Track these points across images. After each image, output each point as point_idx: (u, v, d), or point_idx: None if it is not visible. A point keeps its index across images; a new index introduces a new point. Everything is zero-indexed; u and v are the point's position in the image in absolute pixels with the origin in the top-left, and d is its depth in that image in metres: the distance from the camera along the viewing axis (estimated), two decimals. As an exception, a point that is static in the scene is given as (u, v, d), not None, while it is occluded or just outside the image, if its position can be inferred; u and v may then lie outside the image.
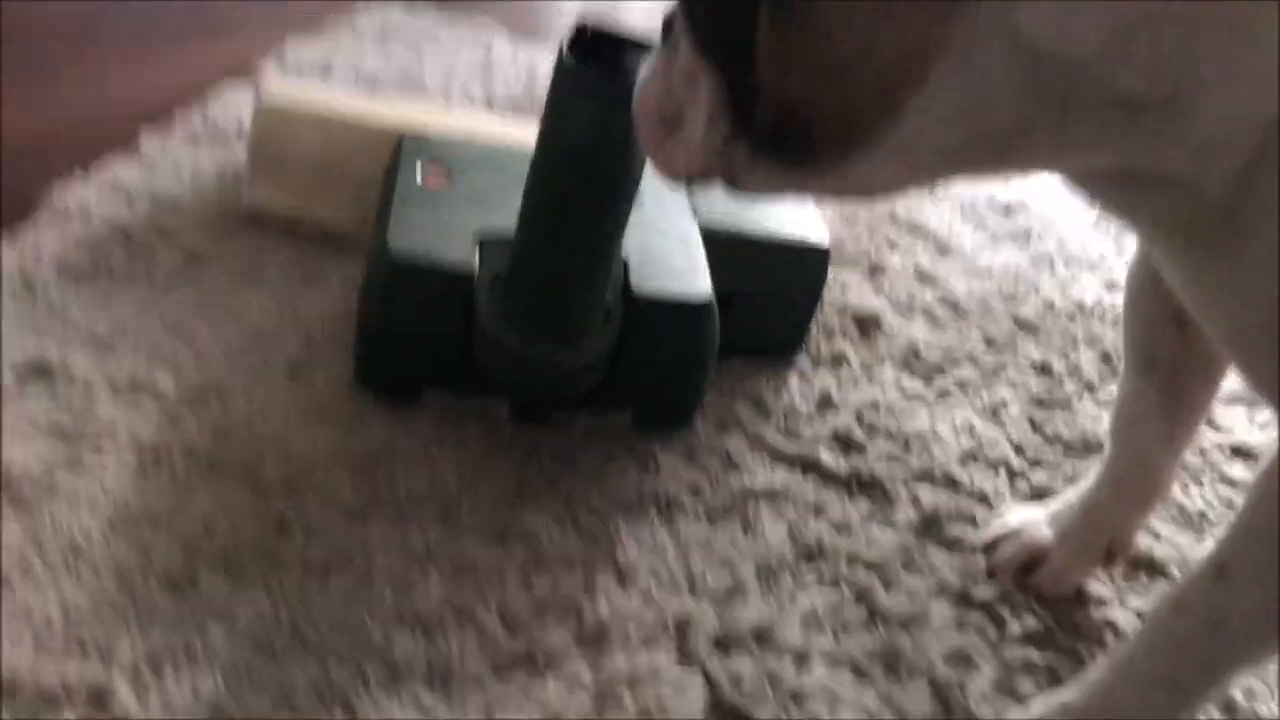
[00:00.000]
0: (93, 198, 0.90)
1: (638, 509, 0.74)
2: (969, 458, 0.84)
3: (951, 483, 0.82)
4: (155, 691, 0.57)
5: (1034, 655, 0.69)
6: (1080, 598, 0.74)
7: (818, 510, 0.77)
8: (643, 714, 0.61)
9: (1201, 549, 0.71)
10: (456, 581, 0.66)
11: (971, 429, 0.87)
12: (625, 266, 0.76)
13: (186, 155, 0.98)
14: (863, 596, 0.71)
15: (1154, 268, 0.62)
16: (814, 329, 0.92)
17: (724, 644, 0.66)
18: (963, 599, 0.72)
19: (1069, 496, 0.77)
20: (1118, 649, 0.64)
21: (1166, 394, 0.69)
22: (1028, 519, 0.76)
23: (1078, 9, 0.43)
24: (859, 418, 0.86)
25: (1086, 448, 0.87)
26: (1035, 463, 0.85)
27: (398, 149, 0.85)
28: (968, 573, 0.74)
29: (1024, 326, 1.01)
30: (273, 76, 1.12)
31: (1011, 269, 1.08)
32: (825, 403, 0.86)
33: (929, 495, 0.80)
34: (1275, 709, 0.68)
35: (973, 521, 0.78)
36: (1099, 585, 0.74)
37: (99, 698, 0.56)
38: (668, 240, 0.81)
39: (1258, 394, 0.55)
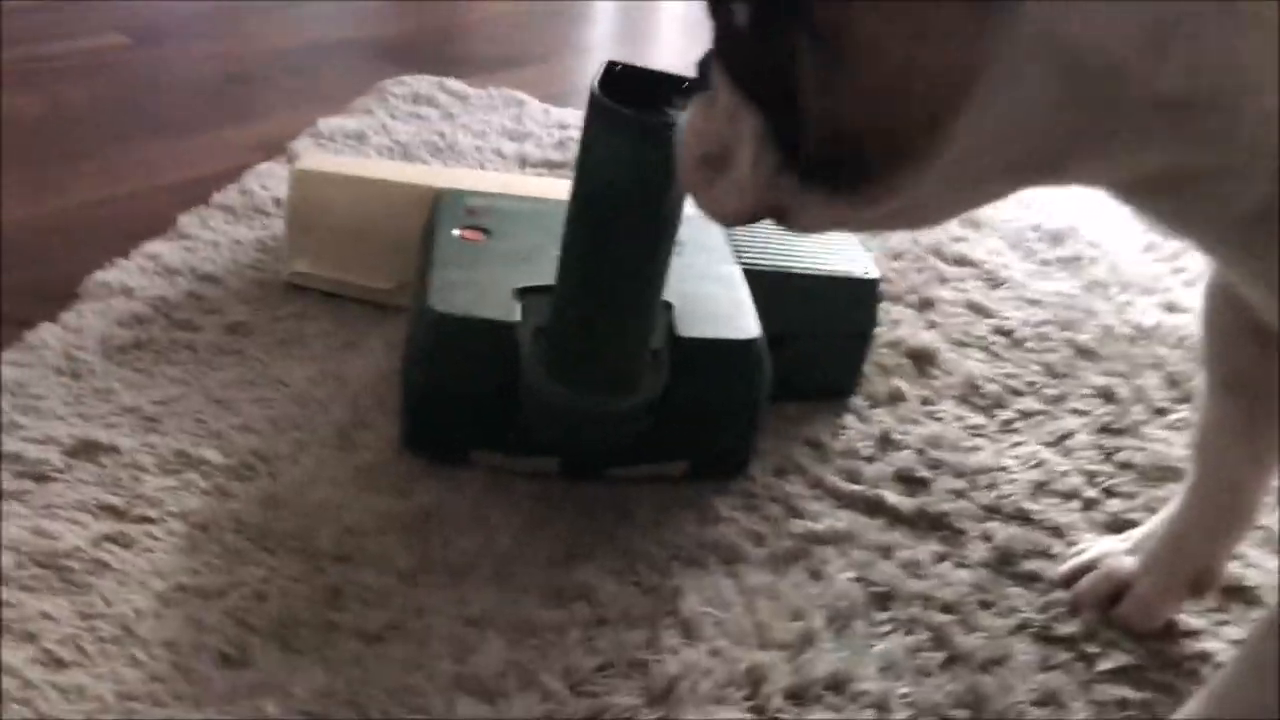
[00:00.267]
0: (134, 277, 0.90)
1: (699, 560, 0.71)
2: (1039, 490, 0.81)
3: (1023, 516, 0.78)
4: (212, 772, 0.55)
5: (1127, 692, 0.65)
6: (1170, 630, 0.70)
7: (886, 552, 0.74)
8: (718, 773, 0.58)
9: (1297, 571, 0.67)
10: (516, 643, 0.63)
11: (1039, 461, 0.84)
12: (670, 311, 0.74)
13: (224, 230, 0.98)
14: (940, 639, 0.67)
15: (1227, 282, 0.60)
16: (868, 368, 0.90)
17: (798, 696, 0.63)
18: (1045, 636, 0.69)
19: (1152, 524, 0.73)
20: (1213, 681, 0.60)
21: (1250, 413, 0.66)
22: (1108, 549, 0.73)
23: (1114, 9, 0.42)
24: (921, 455, 0.83)
25: (1161, 474, 0.84)
26: (1109, 492, 0.82)
27: (434, 206, 0.84)
28: (1048, 609, 0.71)
29: (1083, 353, 0.97)
30: (307, 148, 1.13)
31: (1065, 296, 1.05)
32: (886, 441, 0.84)
33: (1001, 530, 0.77)
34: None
35: (1048, 555, 0.75)
36: (1190, 616, 0.71)
37: (154, 781, 0.54)
38: (711, 283, 0.79)
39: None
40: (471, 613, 0.65)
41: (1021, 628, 0.69)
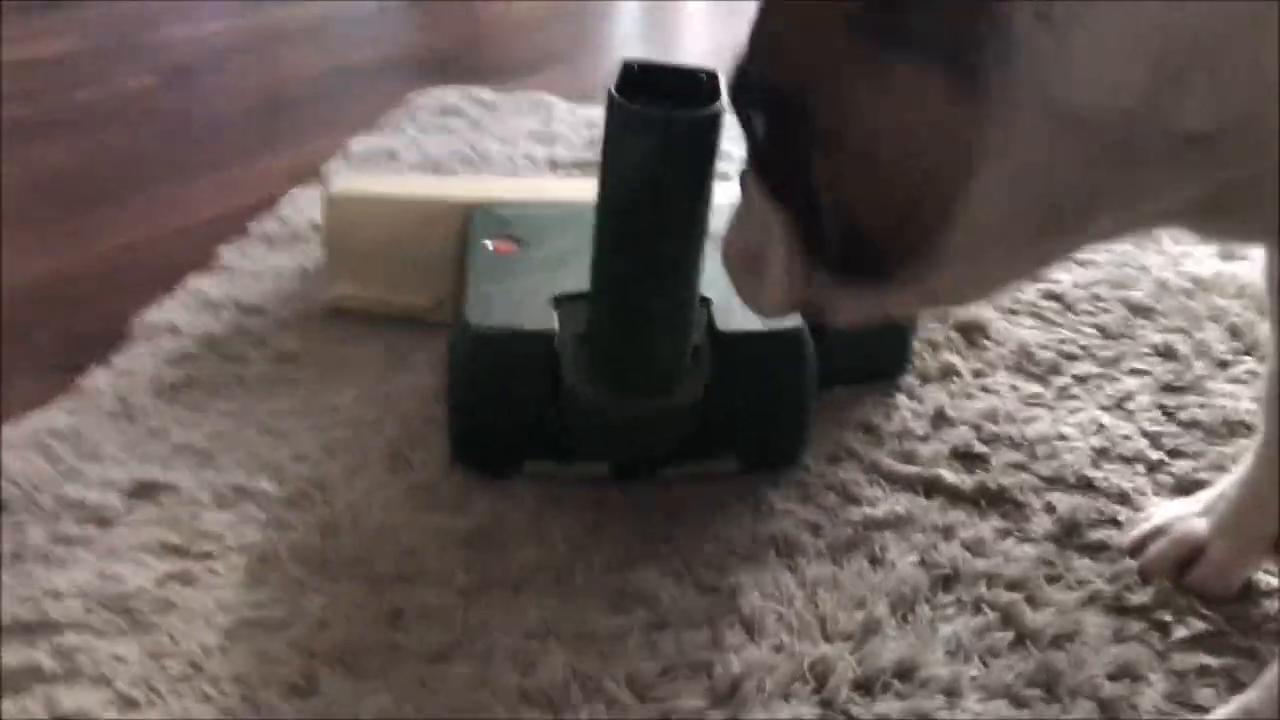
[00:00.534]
0: (179, 314, 0.91)
1: (756, 556, 0.70)
2: (1101, 456, 0.80)
3: (1087, 485, 0.77)
4: (287, 803, 0.55)
5: (1207, 659, 0.64)
6: (1249, 591, 0.68)
7: (947, 532, 0.72)
8: (790, 771, 0.57)
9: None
10: (579, 652, 0.63)
11: (1100, 426, 0.82)
12: (709, 307, 0.74)
13: (265, 260, 0.99)
14: (1008, 618, 0.66)
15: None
16: (917, 345, 0.89)
17: (866, 686, 0.62)
18: (1117, 608, 0.67)
19: (1223, 484, 0.71)
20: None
21: None
22: (1177, 512, 0.71)
23: (1112, 61, 0.41)
24: (978, 430, 0.81)
25: (1229, 430, 0.82)
26: (1174, 453, 0.80)
27: (467, 222, 0.85)
28: (1118, 579, 0.69)
29: (1139, 311, 0.95)
30: (340, 171, 1.14)
31: (1116, 254, 1.03)
32: (940, 419, 0.82)
33: (1064, 501, 0.75)
34: None
35: (1115, 523, 0.74)
36: (1269, 575, 0.69)
37: (232, 815, 0.55)
38: (750, 274, 0.78)
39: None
40: (532, 625, 0.65)
41: (1091, 600, 0.68)
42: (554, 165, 1.16)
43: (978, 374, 0.87)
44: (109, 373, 0.84)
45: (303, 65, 1.52)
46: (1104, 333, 0.93)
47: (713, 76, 0.65)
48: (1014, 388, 0.86)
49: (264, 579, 0.68)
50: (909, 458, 0.78)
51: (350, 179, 1.06)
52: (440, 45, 1.68)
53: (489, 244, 0.81)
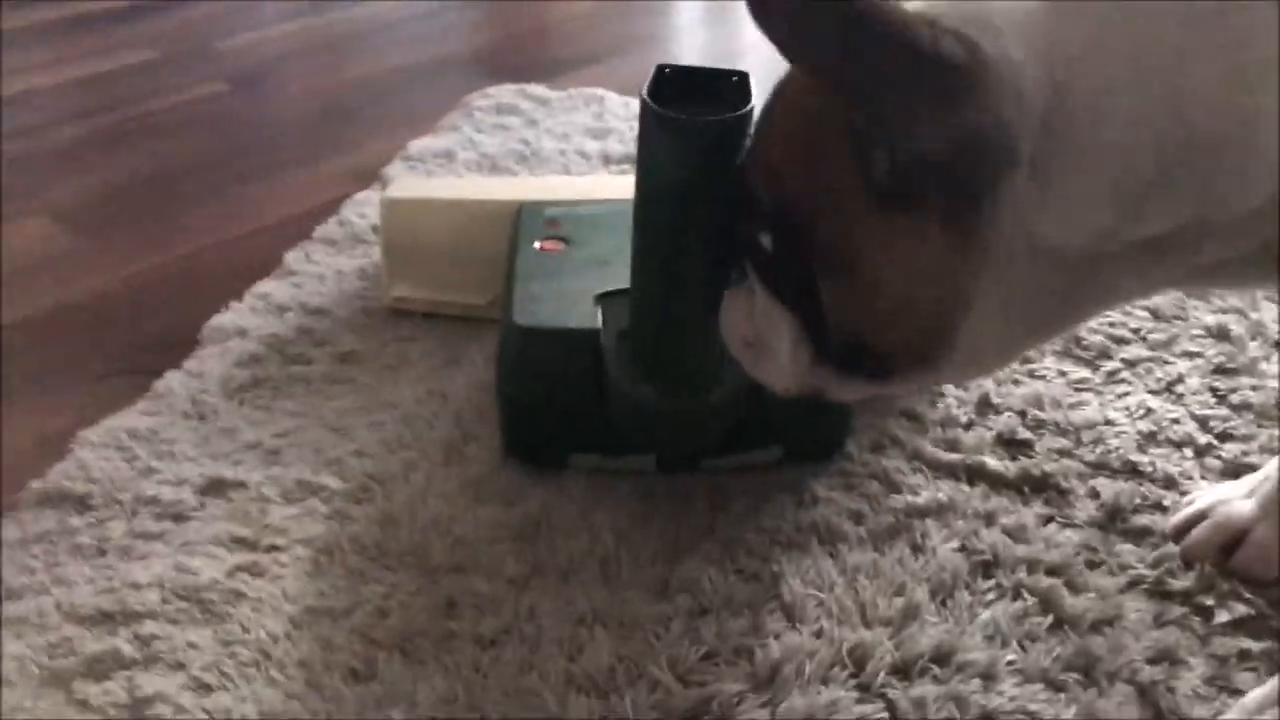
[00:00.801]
0: (247, 318, 0.95)
1: (799, 544, 0.72)
2: (1149, 440, 0.80)
3: (1132, 470, 0.77)
4: (348, 782, 0.59)
5: (1248, 644, 0.64)
6: (1294, 575, 0.68)
7: (989, 519, 0.73)
8: (827, 753, 0.59)
9: None
10: (624, 638, 0.66)
11: (1148, 410, 0.82)
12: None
13: (328, 262, 1.03)
14: (1047, 603, 0.67)
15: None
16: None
17: (903, 670, 0.63)
18: (1158, 592, 0.68)
19: (1270, 467, 0.71)
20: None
21: None
22: (1221, 496, 0.71)
23: (1079, 207, 0.47)
24: (1023, 416, 0.82)
25: (1280, 412, 0.81)
26: (1224, 436, 0.80)
27: (515, 221, 0.87)
28: (1160, 564, 0.69)
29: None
30: (398, 173, 1.17)
31: (1170, 235, 1.02)
32: (985, 406, 0.83)
33: (1108, 486, 0.75)
34: None
35: (1160, 508, 0.74)
36: (1312, 559, 0.69)
37: (297, 793, 0.58)
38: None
39: None
40: (580, 612, 0.68)
41: (1132, 585, 0.68)
42: (606, 160, 1.18)
43: (1025, 360, 0.88)
44: (182, 375, 0.88)
45: (365, 67, 1.56)
46: (1156, 315, 0.92)
47: (743, 78, 0.66)
48: (1061, 373, 0.86)
49: (327, 570, 0.71)
50: (952, 445, 0.79)
51: (405, 183, 1.10)
52: (499, 42, 1.70)
53: (536, 244, 0.83)
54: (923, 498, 0.75)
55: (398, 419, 0.84)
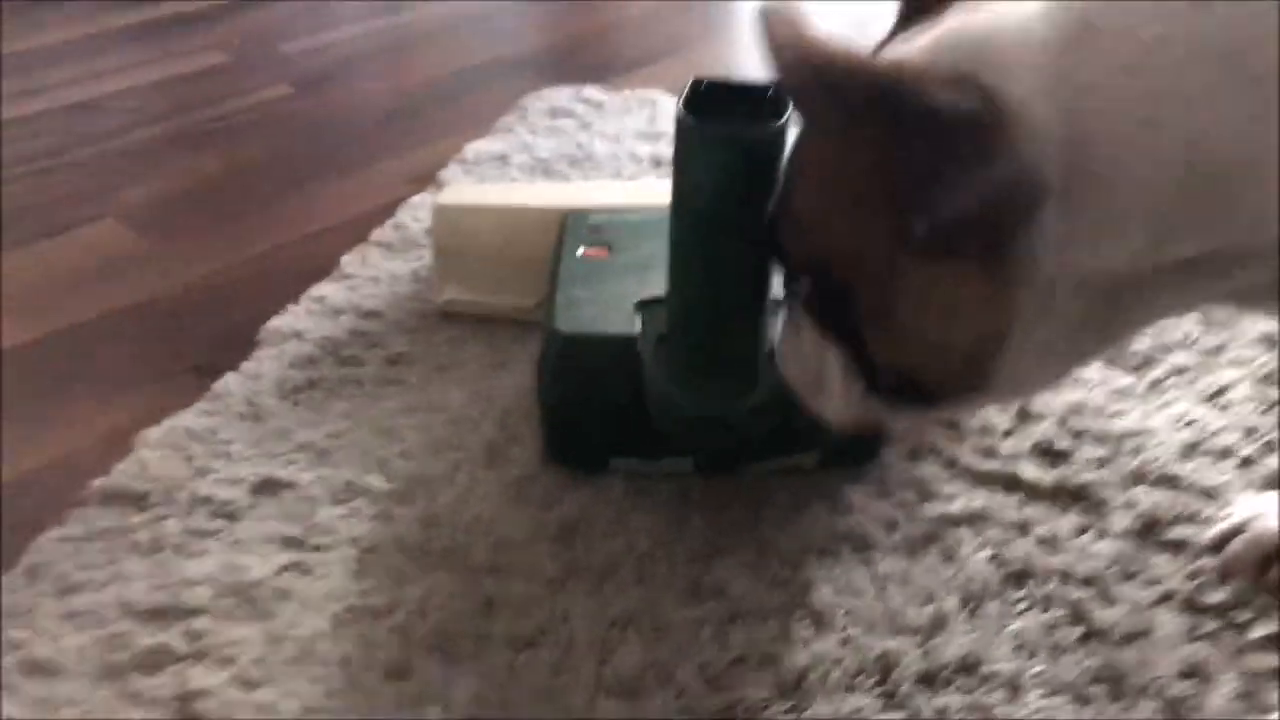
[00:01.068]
0: (303, 320, 0.98)
1: (831, 551, 0.73)
2: (1190, 450, 0.79)
3: (1171, 481, 0.76)
4: (384, 776, 0.61)
5: (1281, 661, 0.64)
6: (1333, 591, 0.67)
7: (1023, 529, 0.73)
8: (849, 760, 0.60)
9: None
10: (655, 642, 0.67)
11: (1191, 419, 0.81)
12: (786, 308, 0.76)
13: (382, 266, 1.05)
14: (1078, 614, 0.67)
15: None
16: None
17: (929, 680, 0.64)
18: (1192, 606, 0.67)
19: (1310, 480, 0.70)
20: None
21: None
22: (1260, 509, 0.71)
23: (1111, 234, 0.48)
24: (1062, 424, 0.82)
25: (1329, 423, 0.80)
26: (1269, 446, 0.79)
27: (561, 227, 0.89)
28: (1196, 577, 0.69)
29: (1244, 299, 0.93)
30: (453, 176, 1.19)
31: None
32: (1024, 414, 0.83)
33: (1146, 497, 0.75)
34: None
35: (1197, 520, 0.73)
36: (1352, 575, 0.68)
37: (335, 786, 0.60)
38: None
39: None
40: (613, 614, 0.69)
41: (1166, 598, 0.68)
42: (658, 163, 1.19)
43: (1068, 367, 0.87)
44: (239, 376, 0.91)
45: (429, 69, 1.59)
46: (1207, 321, 0.91)
47: (779, 90, 0.67)
48: (1104, 381, 0.86)
49: (370, 569, 0.74)
50: (989, 453, 0.79)
51: (457, 188, 1.12)
52: (558, 43, 1.72)
53: (580, 250, 0.85)
54: (957, 506, 0.75)
55: (444, 421, 0.86)
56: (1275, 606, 0.67)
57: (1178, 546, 0.71)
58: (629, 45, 1.65)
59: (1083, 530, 0.73)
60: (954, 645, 0.65)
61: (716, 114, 0.66)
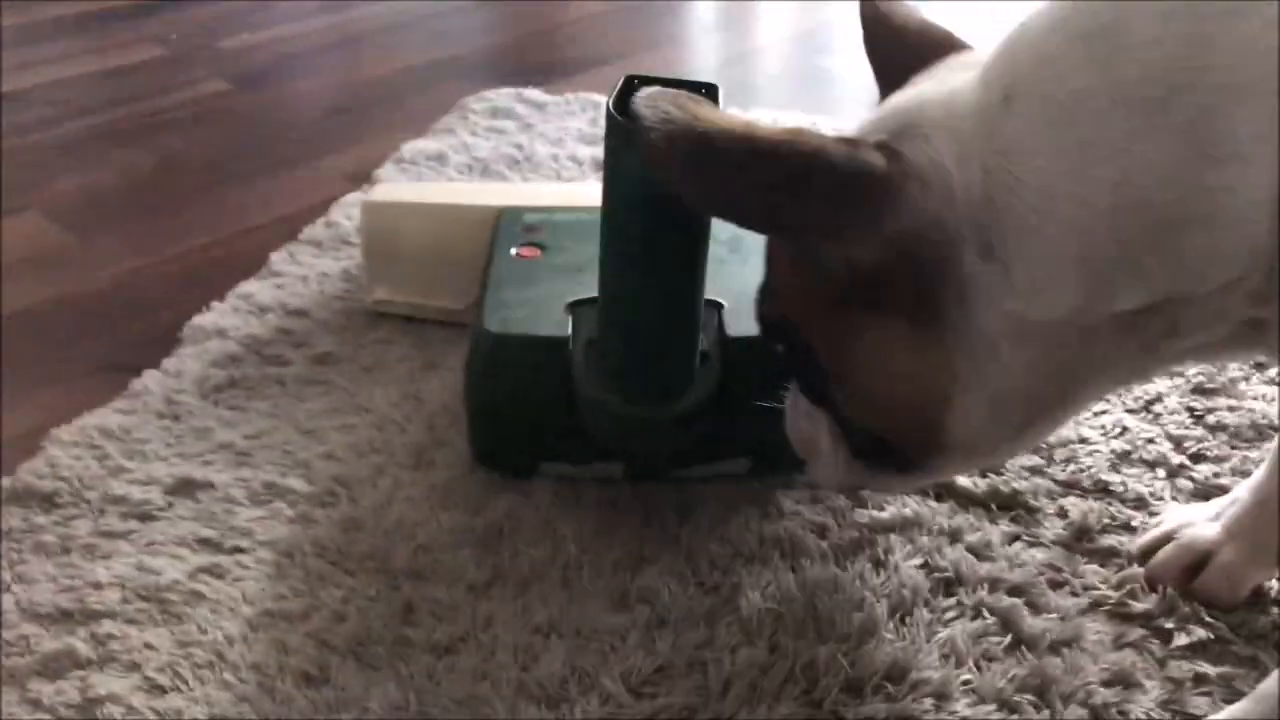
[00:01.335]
0: (228, 318, 0.95)
1: (762, 557, 0.72)
2: (1122, 459, 0.79)
3: (1103, 489, 0.76)
4: (293, 786, 0.59)
5: (1205, 668, 0.63)
6: (1258, 600, 0.68)
7: (954, 536, 0.73)
8: (773, 770, 0.59)
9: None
10: (579, 649, 0.66)
11: (1123, 429, 0.82)
12: (719, 311, 0.75)
13: (312, 264, 1.03)
14: (1007, 622, 0.67)
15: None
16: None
17: (856, 688, 0.63)
18: (1119, 614, 0.67)
19: (1238, 490, 0.70)
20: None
21: None
22: (1187, 518, 0.71)
23: (1045, 280, 0.48)
24: (995, 432, 0.81)
25: (1257, 434, 0.80)
26: (1197, 457, 0.79)
27: (494, 227, 0.87)
28: (1124, 585, 0.69)
29: (1176, 311, 0.93)
30: (389, 175, 1.17)
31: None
32: (958, 421, 0.82)
33: (1077, 506, 0.75)
34: None
35: (1129, 529, 0.73)
36: (1278, 584, 0.68)
37: (242, 797, 0.58)
38: (764, 279, 0.79)
39: None
40: (538, 621, 0.68)
41: (1094, 606, 0.68)
42: (598, 166, 1.18)
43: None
44: (158, 374, 0.89)
45: (373, 67, 1.57)
46: (1139, 332, 0.92)
47: (712, 89, 0.66)
48: (1038, 389, 0.86)
49: (287, 573, 0.71)
50: (922, 460, 0.79)
51: (389, 186, 1.10)
52: (509, 43, 1.71)
53: (513, 250, 0.83)
54: (888, 513, 0.74)
55: (370, 423, 0.84)
56: (1200, 615, 0.66)
57: (1107, 555, 0.71)
58: (575, 48, 1.63)
59: (1014, 539, 0.73)
60: (882, 653, 0.65)
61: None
